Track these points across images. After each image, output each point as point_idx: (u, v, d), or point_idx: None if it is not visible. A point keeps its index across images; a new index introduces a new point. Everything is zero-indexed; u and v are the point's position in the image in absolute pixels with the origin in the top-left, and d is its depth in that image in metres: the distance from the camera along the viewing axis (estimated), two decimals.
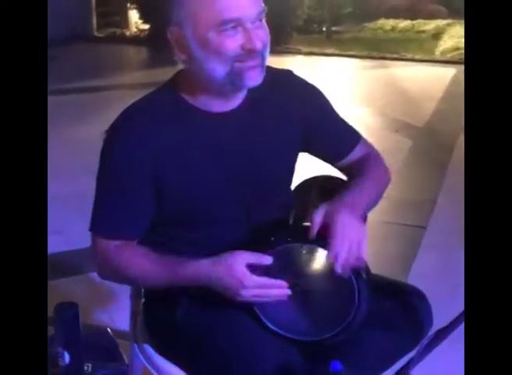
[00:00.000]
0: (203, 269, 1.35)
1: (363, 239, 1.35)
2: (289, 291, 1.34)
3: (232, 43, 1.31)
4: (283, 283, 1.34)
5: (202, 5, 1.30)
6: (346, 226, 1.34)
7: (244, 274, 1.32)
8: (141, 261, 1.41)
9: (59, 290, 2.60)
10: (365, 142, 1.66)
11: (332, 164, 1.65)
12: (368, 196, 1.50)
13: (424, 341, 1.44)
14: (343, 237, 1.33)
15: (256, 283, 1.32)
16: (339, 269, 1.31)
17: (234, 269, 1.32)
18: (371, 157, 1.63)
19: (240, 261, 1.32)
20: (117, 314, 2.49)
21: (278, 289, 1.34)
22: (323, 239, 1.33)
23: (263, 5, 1.34)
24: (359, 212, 1.42)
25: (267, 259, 1.33)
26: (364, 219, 1.48)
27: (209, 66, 1.34)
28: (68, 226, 3.24)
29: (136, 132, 1.39)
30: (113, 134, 1.41)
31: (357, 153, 1.62)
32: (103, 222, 1.44)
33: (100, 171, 1.43)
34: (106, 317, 2.53)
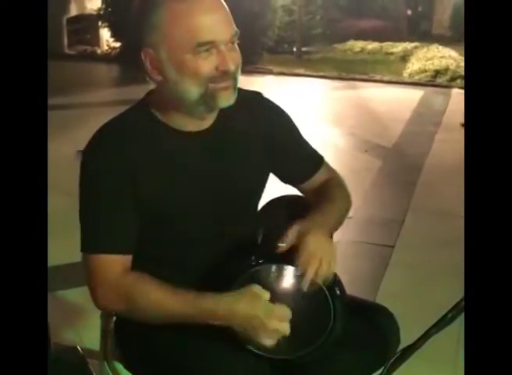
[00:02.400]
0: (224, 303, 1.33)
1: (334, 257, 1.40)
2: None
3: (207, 65, 1.34)
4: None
5: (178, 27, 1.32)
6: (318, 246, 1.38)
7: (269, 304, 1.33)
8: (154, 290, 1.37)
9: None
10: (328, 167, 1.69)
11: (295, 186, 1.68)
12: (334, 218, 1.54)
13: (391, 359, 1.47)
14: (314, 256, 1.36)
15: (283, 313, 1.33)
16: (305, 287, 1.35)
17: (260, 300, 1.33)
18: (335, 181, 1.66)
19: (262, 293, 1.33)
20: (86, 332, 2.48)
21: None
22: (293, 257, 1.36)
23: (236, 28, 1.38)
24: (328, 233, 1.46)
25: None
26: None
27: (184, 87, 1.36)
28: None
29: (112, 149, 1.40)
30: (91, 152, 1.41)
31: (319, 177, 1.66)
32: (95, 237, 1.40)
33: (82, 189, 1.42)
34: (75, 335, 2.51)
